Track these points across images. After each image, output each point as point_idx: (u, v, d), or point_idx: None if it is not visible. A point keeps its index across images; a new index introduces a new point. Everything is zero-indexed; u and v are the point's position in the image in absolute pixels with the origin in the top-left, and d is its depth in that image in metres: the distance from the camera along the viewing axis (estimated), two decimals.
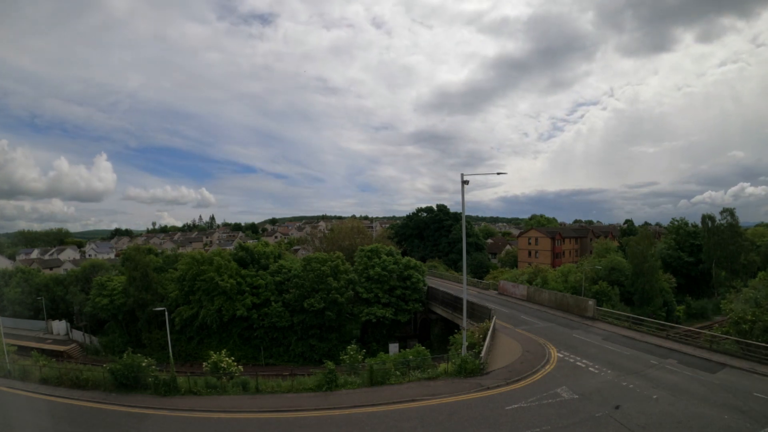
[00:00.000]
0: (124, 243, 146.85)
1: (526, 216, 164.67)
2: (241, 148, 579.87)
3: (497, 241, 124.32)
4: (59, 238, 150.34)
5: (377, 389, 20.20)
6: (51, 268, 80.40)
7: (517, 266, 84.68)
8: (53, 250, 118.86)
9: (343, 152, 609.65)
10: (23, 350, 36.01)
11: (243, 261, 46.28)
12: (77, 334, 49.97)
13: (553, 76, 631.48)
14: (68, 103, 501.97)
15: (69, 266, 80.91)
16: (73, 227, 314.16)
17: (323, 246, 69.69)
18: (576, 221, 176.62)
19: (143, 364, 21.65)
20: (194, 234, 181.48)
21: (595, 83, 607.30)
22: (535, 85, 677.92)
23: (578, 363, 22.59)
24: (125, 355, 22.15)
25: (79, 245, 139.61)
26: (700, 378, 19.83)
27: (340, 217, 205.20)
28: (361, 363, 23.68)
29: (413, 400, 18.22)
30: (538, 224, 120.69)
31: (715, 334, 27.69)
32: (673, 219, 76.59)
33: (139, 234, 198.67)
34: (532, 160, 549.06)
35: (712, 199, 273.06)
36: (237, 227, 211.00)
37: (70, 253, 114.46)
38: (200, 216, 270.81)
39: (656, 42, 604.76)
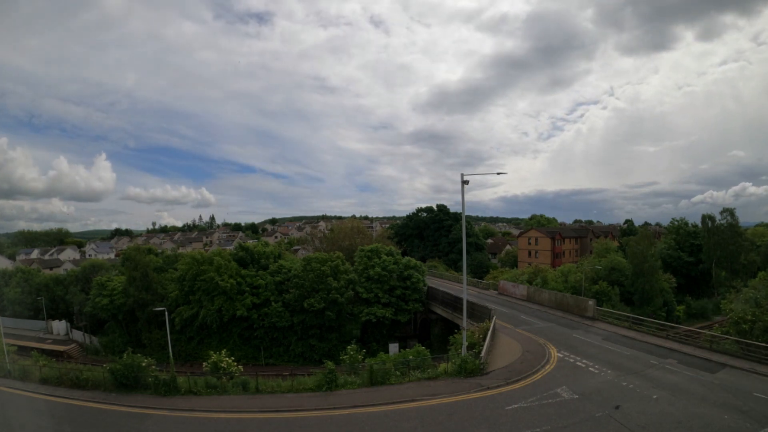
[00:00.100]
0: (124, 243, 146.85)
1: (526, 216, 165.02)
2: (240, 147, 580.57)
3: (497, 241, 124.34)
4: (59, 238, 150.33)
5: (377, 389, 20.20)
6: (51, 268, 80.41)
7: (517, 266, 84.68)
8: (53, 250, 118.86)
9: (342, 152, 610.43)
10: (23, 350, 36.03)
11: (243, 261, 46.29)
12: (77, 334, 49.98)
13: (553, 74, 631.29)
14: (66, 102, 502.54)
15: (69, 266, 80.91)
16: (73, 227, 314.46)
17: (323, 246, 69.71)
18: (576, 221, 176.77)
19: (143, 364, 21.65)
20: (194, 234, 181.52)
21: (595, 82, 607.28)
22: (534, 84, 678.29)
23: (578, 363, 22.60)
24: (125, 355, 22.15)
25: (79, 245, 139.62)
26: (700, 378, 19.83)
27: (340, 217, 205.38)
28: (361, 363, 23.69)
29: (413, 400, 18.23)
30: (538, 224, 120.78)
31: (715, 334, 27.70)
32: (673, 219, 76.75)
33: (139, 234, 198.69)
34: (531, 160, 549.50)
35: (713, 199, 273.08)
36: (237, 227, 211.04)
37: (70, 253, 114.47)
38: (200, 216, 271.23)
39: (656, 40, 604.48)
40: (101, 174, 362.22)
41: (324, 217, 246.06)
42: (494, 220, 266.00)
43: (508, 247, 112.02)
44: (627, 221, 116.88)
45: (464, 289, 25.13)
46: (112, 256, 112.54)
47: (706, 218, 68.76)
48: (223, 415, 17.89)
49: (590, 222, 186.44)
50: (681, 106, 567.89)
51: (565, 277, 51.30)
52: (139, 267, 45.11)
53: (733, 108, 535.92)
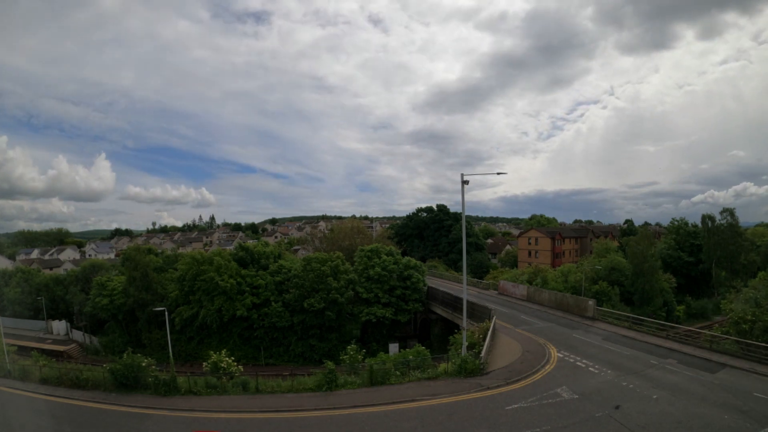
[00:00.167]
0: (124, 243, 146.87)
1: (526, 216, 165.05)
2: (240, 147, 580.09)
3: (497, 241, 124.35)
4: (59, 238, 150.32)
5: (377, 389, 20.21)
6: (51, 268, 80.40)
7: (517, 266, 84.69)
8: (53, 250, 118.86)
9: (342, 152, 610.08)
10: (23, 350, 36.04)
11: (243, 261, 46.29)
12: (77, 334, 49.99)
13: (553, 73, 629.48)
14: (64, 102, 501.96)
15: (69, 266, 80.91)
16: (73, 227, 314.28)
17: (323, 246, 69.71)
18: (576, 221, 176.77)
19: (143, 364, 21.67)
20: (194, 234, 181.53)
21: (595, 81, 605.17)
22: (534, 84, 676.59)
23: (578, 363, 22.61)
24: (125, 355, 22.16)
25: (79, 245, 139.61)
26: (700, 378, 19.84)
27: (340, 217, 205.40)
28: (361, 363, 23.69)
29: (413, 400, 18.23)
30: (538, 224, 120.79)
31: (715, 334, 27.71)
32: (673, 219, 76.80)
33: (139, 234, 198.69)
34: (531, 160, 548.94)
35: (714, 199, 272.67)
36: (237, 227, 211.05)
37: (70, 253, 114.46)
38: (200, 216, 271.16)
39: (657, 39, 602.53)
40: (101, 174, 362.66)
41: (324, 217, 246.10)
42: (494, 220, 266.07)
43: (508, 247, 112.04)
44: (627, 221, 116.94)
45: (464, 289, 25.14)
46: (112, 256, 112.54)
47: (706, 218, 68.80)
48: (223, 415, 17.89)
49: (590, 222, 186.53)
50: (681, 105, 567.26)
51: (565, 277, 51.31)
52: (139, 267, 45.11)
53: (734, 107, 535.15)
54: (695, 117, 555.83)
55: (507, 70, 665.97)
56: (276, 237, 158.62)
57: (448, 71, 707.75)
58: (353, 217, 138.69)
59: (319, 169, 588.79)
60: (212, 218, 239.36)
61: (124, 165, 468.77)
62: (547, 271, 56.05)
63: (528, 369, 21.75)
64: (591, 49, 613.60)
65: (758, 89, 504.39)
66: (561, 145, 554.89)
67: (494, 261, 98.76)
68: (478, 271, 78.23)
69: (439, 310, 43.47)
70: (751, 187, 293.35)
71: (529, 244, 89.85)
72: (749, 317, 25.37)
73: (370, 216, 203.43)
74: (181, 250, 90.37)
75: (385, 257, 46.00)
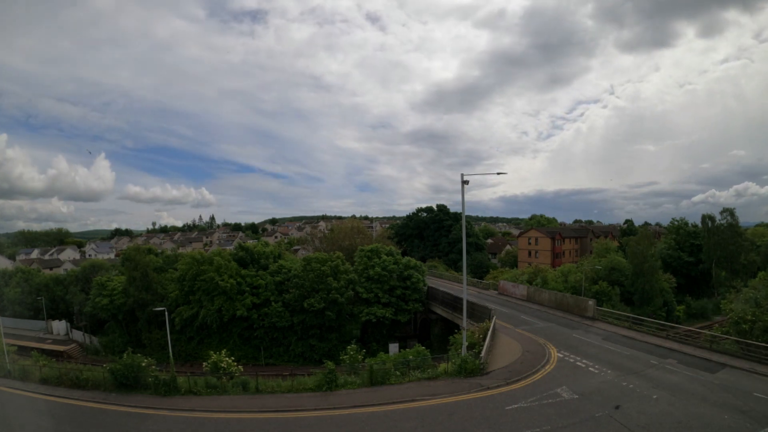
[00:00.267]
0: (124, 243, 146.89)
1: (526, 216, 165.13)
2: (239, 147, 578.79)
3: (497, 241, 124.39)
4: (59, 238, 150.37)
5: (377, 389, 20.21)
6: (51, 268, 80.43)
7: (517, 266, 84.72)
8: (53, 250, 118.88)
9: (341, 152, 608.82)
10: (23, 350, 36.02)
11: (243, 261, 46.30)
12: (77, 334, 50.00)
13: (552, 72, 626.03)
14: (62, 102, 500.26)
15: (69, 266, 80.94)
16: (73, 227, 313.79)
17: (323, 246, 69.70)
18: (576, 221, 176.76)
19: (143, 364, 21.67)
20: (194, 234, 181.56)
21: (595, 80, 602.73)
22: (533, 82, 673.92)
23: (578, 363, 22.61)
24: (125, 355, 22.16)
25: (79, 245, 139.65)
26: (700, 378, 19.84)
27: (340, 217, 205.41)
28: (361, 363, 23.70)
29: (413, 400, 18.23)
30: (538, 224, 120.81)
31: (715, 334, 27.73)
32: (673, 219, 76.86)
33: (139, 234, 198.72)
34: (531, 160, 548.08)
35: (714, 199, 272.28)
36: (237, 227, 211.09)
37: (70, 253, 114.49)
38: (200, 216, 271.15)
39: (657, 37, 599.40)
40: (100, 173, 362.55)
41: (324, 217, 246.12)
42: (494, 220, 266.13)
43: (508, 247, 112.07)
44: (627, 221, 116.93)
45: (464, 289, 25.14)
46: (112, 256, 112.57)
47: (706, 218, 68.83)
48: (223, 415, 17.89)
49: (590, 222, 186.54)
50: (682, 104, 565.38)
51: (565, 277, 51.32)
52: (139, 267, 45.12)
53: (735, 106, 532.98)
54: (696, 116, 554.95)
55: (506, 69, 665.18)
56: (276, 237, 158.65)
57: (447, 70, 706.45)
58: (353, 217, 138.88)
59: (319, 168, 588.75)
60: (212, 218, 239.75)
61: (124, 165, 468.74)
62: (547, 271, 56.07)
63: (528, 369, 21.75)
64: (591, 47, 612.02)
65: (760, 88, 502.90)
66: (561, 144, 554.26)
67: (494, 261, 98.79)
68: (478, 271, 78.26)
69: (439, 310, 43.48)
70: (753, 187, 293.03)
71: (529, 244, 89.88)
72: (749, 317, 25.37)
73: (369, 216, 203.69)
74: (181, 250, 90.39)
75: (385, 257, 46.01)
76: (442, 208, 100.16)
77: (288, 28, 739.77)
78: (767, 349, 21.97)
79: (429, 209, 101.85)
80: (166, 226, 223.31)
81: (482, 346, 24.43)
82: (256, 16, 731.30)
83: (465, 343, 23.87)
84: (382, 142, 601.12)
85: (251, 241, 68.04)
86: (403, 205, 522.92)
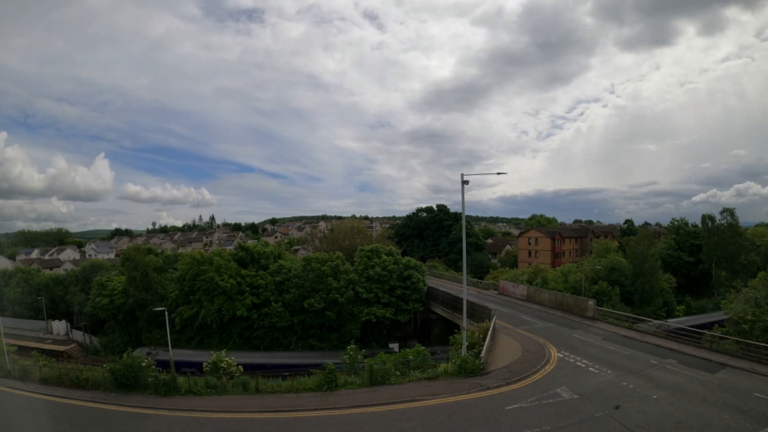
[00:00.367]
0: (124, 243, 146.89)
1: (526, 216, 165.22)
2: (238, 147, 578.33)
3: (497, 241, 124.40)
4: (59, 238, 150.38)
5: (377, 389, 20.21)
6: (51, 268, 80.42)
7: (517, 266, 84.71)
8: (53, 250, 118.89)
9: (339, 151, 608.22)
10: (23, 350, 36.01)
11: (243, 261, 46.31)
12: (77, 334, 49.99)
13: (552, 70, 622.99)
14: (60, 102, 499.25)
15: (69, 266, 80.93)
16: (72, 227, 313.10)
17: (323, 246, 69.70)
18: (576, 221, 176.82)
19: (143, 364, 21.68)
20: (194, 234, 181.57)
21: (595, 79, 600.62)
22: (532, 81, 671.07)
23: (578, 363, 22.61)
24: (125, 355, 22.17)
25: (79, 245, 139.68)
26: (700, 378, 19.84)
27: (339, 217, 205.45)
28: (361, 363, 23.70)
29: (413, 400, 18.23)
30: (538, 224, 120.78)
31: (715, 334, 27.71)
32: (673, 219, 76.88)
33: (139, 234, 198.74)
34: (531, 159, 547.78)
35: (716, 198, 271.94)
36: (237, 227, 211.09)
37: (70, 253, 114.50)
38: (200, 216, 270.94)
39: (657, 35, 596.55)
40: (99, 173, 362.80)
41: (324, 217, 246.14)
42: (494, 220, 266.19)
43: (508, 247, 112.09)
44: (627, 221, 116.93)
45: (464, 289, 25.14)
46: (112, 256, 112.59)
47: (706, 218, 68.77)
48: (223, 415, 17.89)
49: (590, 222, 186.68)
50: (683, 103, 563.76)
51: (565, 277, 51.32)
52: (139, 267, 45.14)
53: (736, 106, 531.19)
54: (697, 115, 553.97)
55: (505, 67, 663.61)
56: (276, 237, 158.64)
57: (445, 68, 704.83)
58: (353, 217, 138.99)
59: (318, 168, 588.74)
60: (212, 218, 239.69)
61: (123, 165, 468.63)
62: (547, 271, 56.07)
63: (528, 369, 21.76)
64: (590, 45, 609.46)
65: (761, 87, 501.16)
66: (561, 144, 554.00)
67: (494, 261, 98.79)
68: (478, 271, 78.25)
69: (439, 310, 43.49)
70: (754, 187, 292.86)
71: (529, 244, 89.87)
72: (749, 317, 25.39)
73: (369, 216, 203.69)
74: (181, 250, 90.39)
75: (385, 257, 46.02)
76: (442, 208, 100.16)
77: (284, 26, 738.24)
78: (767, 349, 21.98)
79: (429, 209, 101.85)
80: (166, 226, 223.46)
81: (482, 346, 24.44)
82: (252, 14, 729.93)
83: (465, 343, 23.88)
84: (381, 142, 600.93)
85: (251, 241, 68.05)
86: (403, 205, 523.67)
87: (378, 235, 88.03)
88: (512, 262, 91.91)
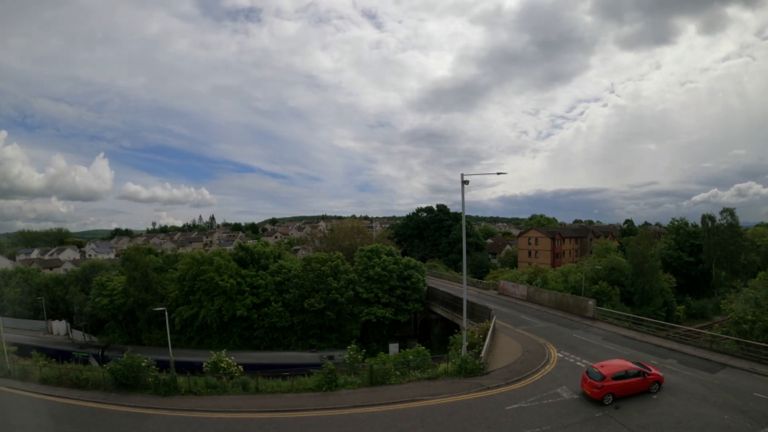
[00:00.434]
0: (124, 243, 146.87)
1: (526, 216, 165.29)
2: (237, 147, 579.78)
3: (497, 241, 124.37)
4: (59, 238, 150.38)
5: (377, 389, 20.21)
6: (51, 268, 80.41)
7: (517, 266, 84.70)
8: (53, 250, 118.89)
9: (339, 151, 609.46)
10: (23, 350, 35.96)
11: (243, 261, 46.29)
12: (77, 334, 49.99)
13: (551, 68, 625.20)
14: (58, 102, 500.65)
15: (69, 266, 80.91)
16: (72, 227, 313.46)
17: (323, 246, 69.67)
18: (576, 221, 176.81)
19: (143, 364, 21.67)
20: (194, 234, 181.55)
21: (595, 78, 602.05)
22: (532, 80, 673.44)
23: (578, 363, 22.60)
24: (125, 355, 22.16)
25: (79, 245, 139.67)
26: (700, 378, 19.85)
27: (339, 217, 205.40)
28: (361, 363, 23.70)
29: (413, 400, 18.24)
30: (538, 224, 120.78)
31: (715, 334, 27.73)
32: (673, 219, 76.85)
33: (139, 234, 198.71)
34: (531, 159, 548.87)
35: (717, 198, 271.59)
36: (237, 227, 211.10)
37: (70, 253, 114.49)
38: (200, 216, 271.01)
39: (657, 34, 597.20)
40: (99, 173, 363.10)
41: (324, 217, 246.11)
42: (494, 220, 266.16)
43: (508, 247, 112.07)
44: (627, 221, 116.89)
45: (464, 289, 25.15)
46: (112, 256, 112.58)
47: (706, 218, 68.81)
48: (223, 415, 17.90)
49: (590, 222, 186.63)
50: (683, 103, 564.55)
51: (565, 277, 51.30)
52: (139, 267, 45.09)
53: (737, 105, 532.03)
54: (697, 115, 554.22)
55: (504, 66, 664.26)
56: (276, 237, 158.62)
57: (444, 68, 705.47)
58: (353, 217, 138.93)
59: (318, 168, 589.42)
60: (212, 218, 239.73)
61: (122, 165, 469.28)
62: (547, 271, 56.05)
63: (528, 369, 21.76)
64: (590, 44, 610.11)
65: (761, 86, 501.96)
66: (560, 144, 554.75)
67: (494, 261, 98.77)
68: (478, 271, 78.25)
69: (439, 310, 43.48)
70: (755, 187, 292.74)
71: (529, 244, 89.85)
72: (749, 317, 25.39)
73: (369, 216, 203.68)
74: (181, 250, 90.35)
75: (385, 257, 46.00)
76: (442, 208, 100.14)
77: (282, 25, 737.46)
78: (767, 349, 21.98)
79: (429, 209, 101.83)
80: (165, 226, 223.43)
81: (482, 346, 24.44)
82: (250, 13, 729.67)
83: (465, 343, 23.87)
84: (380, 142, 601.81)
85: (251, 241, 68.02)
86: (403, 205, 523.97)
87: (378, 235, 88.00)
88: (512, 262, 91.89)
